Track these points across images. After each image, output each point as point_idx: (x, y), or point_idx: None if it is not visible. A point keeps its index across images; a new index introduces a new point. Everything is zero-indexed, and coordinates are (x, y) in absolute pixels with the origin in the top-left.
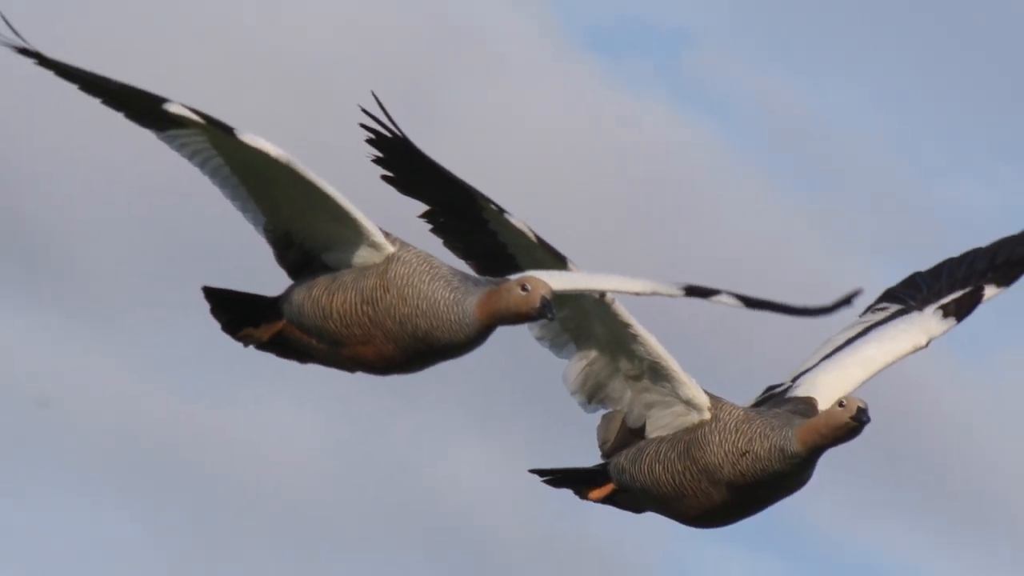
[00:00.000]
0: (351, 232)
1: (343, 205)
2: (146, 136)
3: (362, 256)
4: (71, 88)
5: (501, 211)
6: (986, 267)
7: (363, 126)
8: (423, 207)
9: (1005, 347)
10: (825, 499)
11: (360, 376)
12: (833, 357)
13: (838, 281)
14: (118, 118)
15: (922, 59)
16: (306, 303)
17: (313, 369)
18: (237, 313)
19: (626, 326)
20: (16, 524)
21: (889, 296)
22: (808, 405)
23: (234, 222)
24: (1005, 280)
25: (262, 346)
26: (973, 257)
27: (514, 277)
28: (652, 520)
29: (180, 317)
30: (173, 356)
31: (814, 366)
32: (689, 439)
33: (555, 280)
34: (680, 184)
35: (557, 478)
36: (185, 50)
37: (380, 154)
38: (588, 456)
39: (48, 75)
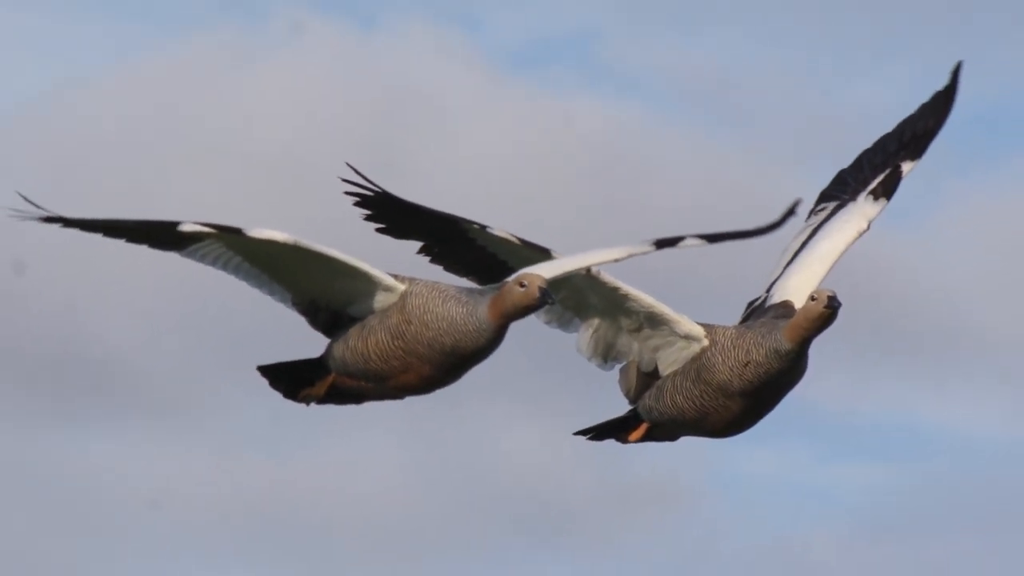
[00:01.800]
0: (364, 284)
1: (351, 264)
2: (171, 257)
3: (380, 300)
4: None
5: (483, 227)
6: (897, 147)
7: (348, 193)
8: (418, 244)
9: (933, 209)
10: (826, 380)
11: (410, 400)
12: (794, 262)
13: (779, 198)
14: (141, 274)
15: None
16: (346, 354)
17: (370, 406)
18: (292, 380)
19: (615, 290)
20: None
21: (824, 197)
22: (786, 308)
23: (264, 307)
24: (916, 154)
25: (321, 401)
26: (884, 142)
27: (511, 278)
28: (689, 443)
29: (245, 397)
30: (249, 431)
31: (781, 274)
32: (697, 367)
33: (546, 270)
34: (627, 159)
35: (598, 433)
36: (167, 168)
37: (369, 211)
38: (618, 407)
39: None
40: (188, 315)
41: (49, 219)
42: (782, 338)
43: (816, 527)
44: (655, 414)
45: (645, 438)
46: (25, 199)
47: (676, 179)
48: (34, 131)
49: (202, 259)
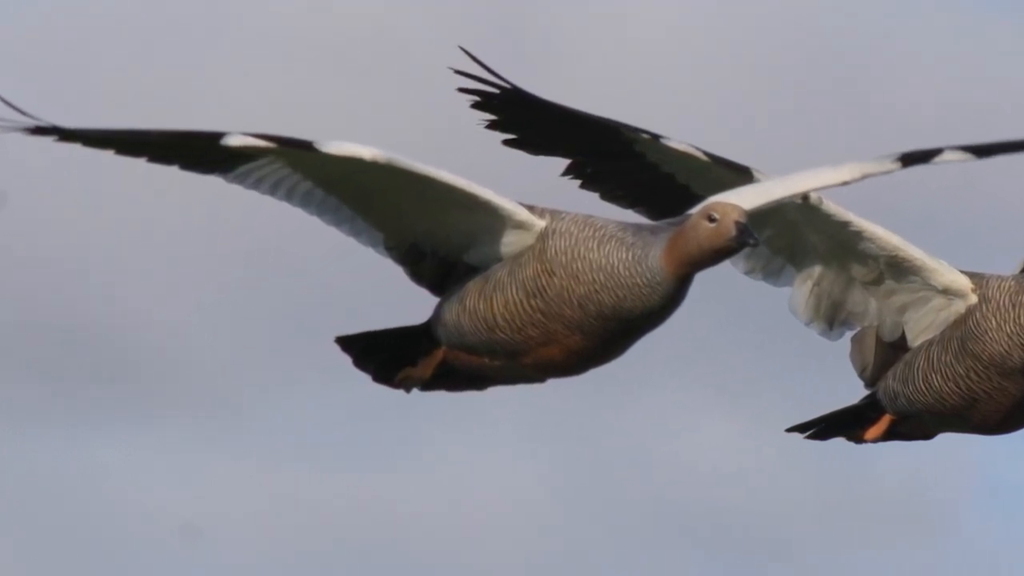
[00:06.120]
0: (487, 219)
1: (469, 190)
2: (211, 184)
3: (510, 243)
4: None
5: (656, 138)
6: None
7: (462, 89)
8: (563, 163)
9: None
10: None
11: (554, 383)
12: None
13: None
14: (169, 210)
15: None
16: (463, 318)
17: (497, 392)
18: (386, 356)
19: (845, 225)
20: None
21: None
22: None
23: (346, 253)
24: None
25: (427, 385)
26: None
27: (696, 210)
28: (951, 441)
29: (318, 384)
30: (324, 432)
31: None
32: (961, 333)
33: (745, 198)
34: (855, 39)
35: (822, 429)
36: (206, 61)
37: (492, 116)
38: (850, 393)
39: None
40: (236, 269)
41: (40, 130)
42: None
43: None
44: (902, 402)
45: (888, 435)
46: (7, 104)
47: (928, 67)
48: (24, 15)
49: (256, 185)
